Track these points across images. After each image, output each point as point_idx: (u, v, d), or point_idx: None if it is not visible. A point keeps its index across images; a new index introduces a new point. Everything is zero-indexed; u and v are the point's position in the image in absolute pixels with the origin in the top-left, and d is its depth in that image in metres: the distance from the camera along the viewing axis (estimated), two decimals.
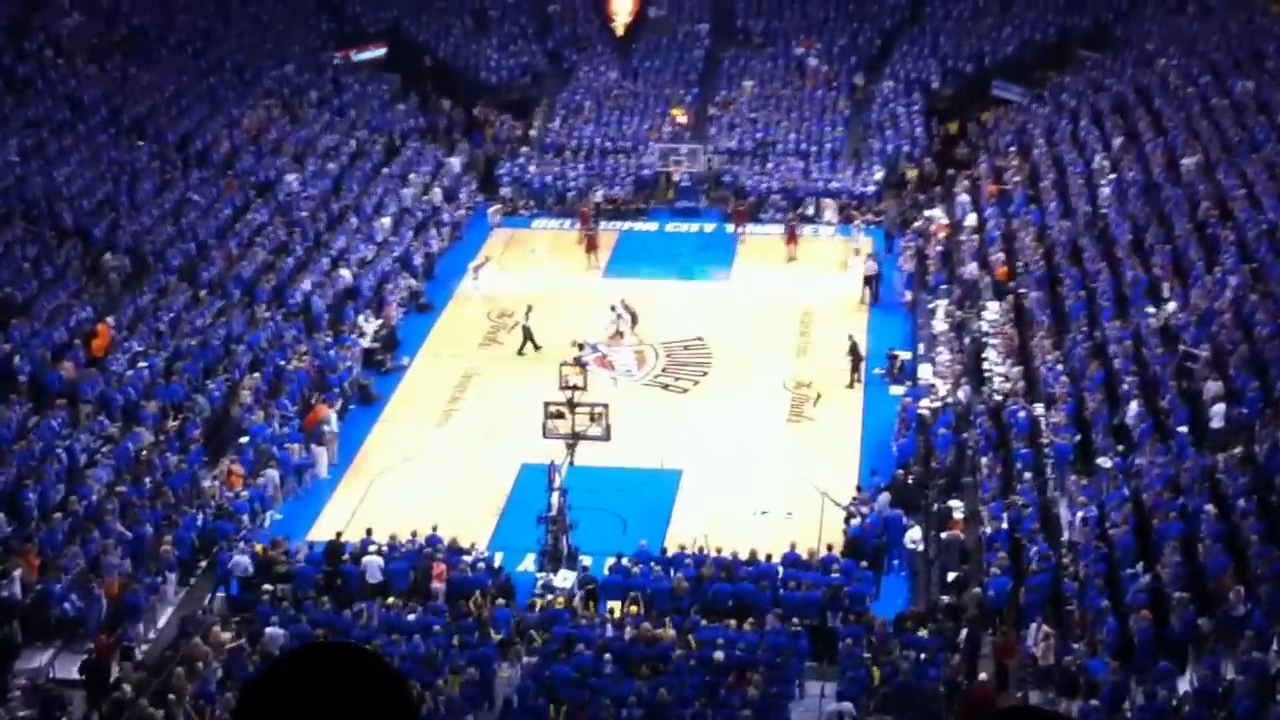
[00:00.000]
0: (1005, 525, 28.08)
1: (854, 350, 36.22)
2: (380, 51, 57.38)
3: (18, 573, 26.38)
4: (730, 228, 45.85)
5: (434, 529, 29.30)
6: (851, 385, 35.86)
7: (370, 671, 3.48)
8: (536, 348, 37.93)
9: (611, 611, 27.81)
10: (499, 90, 56.26)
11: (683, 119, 52.13)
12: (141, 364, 33.87)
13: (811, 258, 43.81)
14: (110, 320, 35.30)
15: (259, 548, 28.91)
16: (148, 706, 23.32)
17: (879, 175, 48.14)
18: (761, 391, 36.04)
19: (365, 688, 3.45)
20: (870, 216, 45.71)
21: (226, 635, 26.12)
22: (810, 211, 46.29)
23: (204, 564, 29.20)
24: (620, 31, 56.06)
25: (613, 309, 39.13)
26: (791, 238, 43.95)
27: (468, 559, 28.90)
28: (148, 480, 30.06)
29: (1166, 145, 41.28)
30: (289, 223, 42.67)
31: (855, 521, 29.63)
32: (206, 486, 30.83)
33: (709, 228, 46.81)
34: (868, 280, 41.14)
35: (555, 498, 29.04)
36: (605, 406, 33.70)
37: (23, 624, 25.99)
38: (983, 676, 24.79)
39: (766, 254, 44.18)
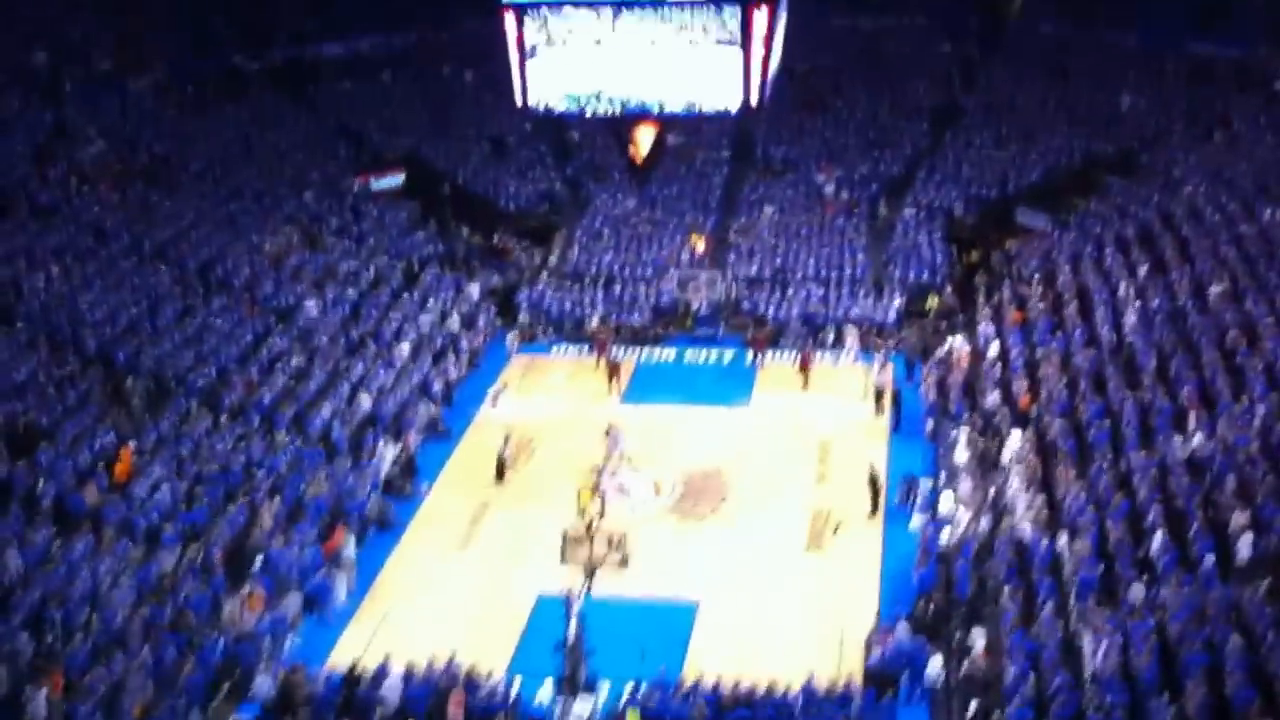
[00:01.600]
0: (1028, 657, 27.75)
1: (874, 480, 36.07)
2: (399, 177, 57.87)
3: (42, 693, 26.33)
4: (750, 356, 45.83)
5: (452, 656, 29.09)
6: (873, 514, 35.62)
7: None
8: (499, 476, 38.20)
9: None
10: (517, 217, 56.67)
11: (701, 246, 52.36)
12: (163, 488, 33.94)
13: (831, 385, 43.73)
14: (132, 445, 35.43)
15: (280, 673, 28.77)
16: None
17: (900, 302, 48.18)
18: (780, 520, 35.80)
19: None
20: (891, 344, 45.67)
21: None
22: (831, 338, 46.31)
23: (225, 688, 28.95)
24: (639, 162, 56.54)
25: (606, 433, 39.09)
26: (804, 365, 43.96)
27: (486, 686, 28.66)
28: (169, 604, 29.99)
29: (1193, 273, 41.26)
30: (309, 349, 42.82)
31: (875, 652, 29.33)
32: (227, 611, 30.67)
33: (728, 355, 46.81)
34: (879, 394, 41.15)
35: (573, 625, 28.84)
36: (624, 534, 33.72)
37: None
38: None
39: (785, 381, 44.12)
